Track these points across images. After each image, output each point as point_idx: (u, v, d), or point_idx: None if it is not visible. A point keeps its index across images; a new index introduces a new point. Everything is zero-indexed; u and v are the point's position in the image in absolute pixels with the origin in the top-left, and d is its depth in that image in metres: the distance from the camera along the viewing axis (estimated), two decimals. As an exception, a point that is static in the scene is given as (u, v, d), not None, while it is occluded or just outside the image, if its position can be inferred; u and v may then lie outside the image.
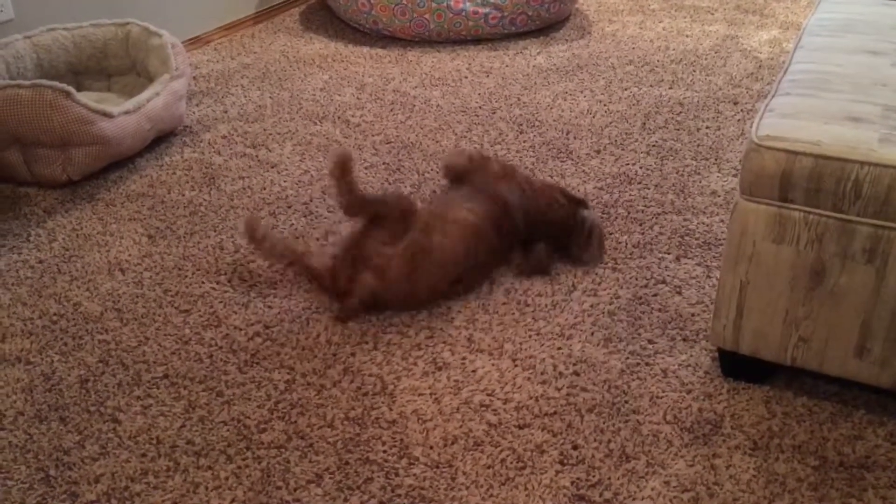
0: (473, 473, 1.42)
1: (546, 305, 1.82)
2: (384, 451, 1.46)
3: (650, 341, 1.71)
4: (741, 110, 2.73)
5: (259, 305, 1.83)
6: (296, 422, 1.52)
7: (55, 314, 1.81)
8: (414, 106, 2.79)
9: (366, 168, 2.40)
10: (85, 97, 2.27)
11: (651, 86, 2.92)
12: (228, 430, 1.51)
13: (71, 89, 2.18)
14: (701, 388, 1.59)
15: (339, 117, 2.71)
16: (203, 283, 1.91)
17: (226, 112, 2.75)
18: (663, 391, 1.58)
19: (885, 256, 1.34)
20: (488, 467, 1.43)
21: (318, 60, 3.18)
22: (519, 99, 2.83)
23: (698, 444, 1.47)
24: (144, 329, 1.76)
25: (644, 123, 2.65)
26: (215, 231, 2.10)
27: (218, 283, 1.91)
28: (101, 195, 2.27)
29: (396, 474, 1.41)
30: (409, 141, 2.55)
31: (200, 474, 1.42)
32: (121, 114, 2.28)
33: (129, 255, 2.01)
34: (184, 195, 2.27)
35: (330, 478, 1.41)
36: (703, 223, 2.11)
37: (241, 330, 1.76)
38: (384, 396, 1.58)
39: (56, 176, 2.26)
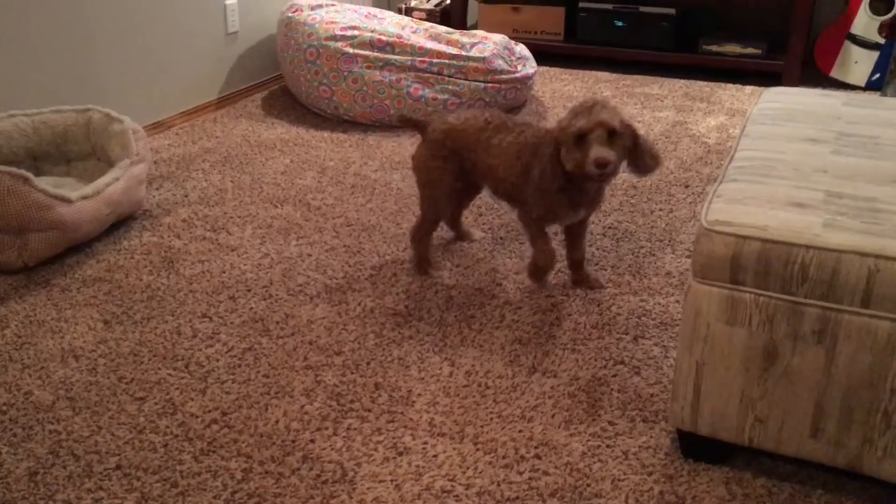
0: (435, 563, 1.39)
1: (507, 387, 1.82)
2: (344, 542, 1.42)
3: (610, 423, 1.72)
4: (692, 193, 2.81)
5: (217, 391, 1.80)
6: (253, 513, 1.49)
7: (4, 404, 1.76)
8: (374, 189, 2.82)
9: (326, 251, 2.41)
10: (43, 182, 2.26)
11: (605, 169, 3.00)
12: (183, 523, 1.46)
13: (29, 175, 2.18)
14: (662, 470, 1.59)
15: (300, 200, 2.73)
16: (159, 369, 1.88)
17: (186, 196, 2.76)
18: (625, 473, 1.58)
19: (833, 337, 1.38)
20: (450, 556, 1.40)
21: (280, 144, 3.22)
22: (478, 182, 2.88)
23: (661, 528, 1.46)
24: (97, 418, 1.72)
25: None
26: (173, 316, 2.08)
27: (175, 368, 1.88)
28: (57, 280, 2.24)
29: (356, 566, 1.38)
30: (370, 223, 2.58)
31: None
32: (79, 199, 2.28)
33: (84, 342, 1.97)
34: (141, 279, 2.25)
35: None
36: (660, 304, 2.15)
37: (197, 417, 1.72)
38: (344, 484, 1.55)
39: (11, 262, 2.23)
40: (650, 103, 3.75)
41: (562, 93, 3.91)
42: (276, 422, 1.71)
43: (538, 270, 2.17)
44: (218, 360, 1.91)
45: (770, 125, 1.86)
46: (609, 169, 1.88)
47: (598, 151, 1.86)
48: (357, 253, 2.40)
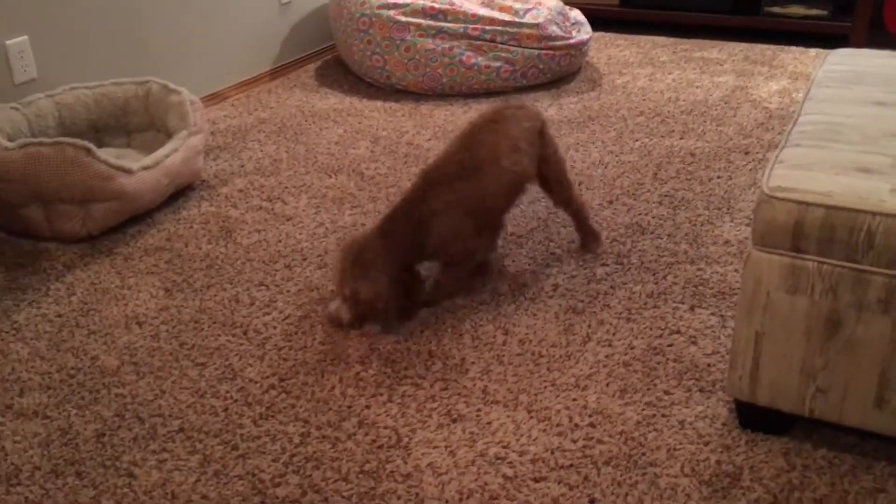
0: (490, 528, 1.40)
1: (561, 356, 1.82)
2: (399, 506, 1.45)
3: (666, 392, 1.70)
4: (752, 160, 2.74)
5: (274, 358, 1.84)
6: (310, 475, 1.52)
7: (73, 368, 1.82)
8: (427, 158, 2.82)
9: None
10: (105, 153, 2.31)
11: (662, 136, 2.95)
12: (243, 485, 1.50)
13: (91, 146, 2.23)
14: (719, 440, 1.57)
15: (353, 170, 2.75)
16: (219, 335, 1.92)
17: (242, 166, 2.80)
18: (680, 443, 1.57)
19: (900, 306, 1.34)
20: (505, 522, 1.41)
21: (333, 115, 3.24)
22: (531, 150, 2.86)
23: (717, 498, 1.45)
24: (160, 382, 1.77)
25: (656, 174, 2.67)
26: (231, 284, 2.12)
27: (233, 335, 1.92)
28: (120, 249, 2.30)
29: (412, 529, 1.40)
30: (423, 193, 2.58)
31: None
32: (140, 169, 2.33)
33: (147, 309, 2.03)
34: (200, 248, 2.30)
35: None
36: (717, 273, 2.11)
37: (256, 383, 1.76)
38: (399, 449, 1.57)
39: (76, 231, 2.30)
40: (709, 68, 3.66)
41: (617, 59, 3.83)
42: (332, 388, 1.74)
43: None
44: (275, 328, 1.94)
45: (836, 88, 1.80)
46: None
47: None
48: (410, 222, 2.41)
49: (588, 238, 2.23)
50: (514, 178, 2.00)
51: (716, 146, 2.85)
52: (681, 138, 2.93)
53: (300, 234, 2.36)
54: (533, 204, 2.49)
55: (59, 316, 2.00)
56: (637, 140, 2.92)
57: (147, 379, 1.78)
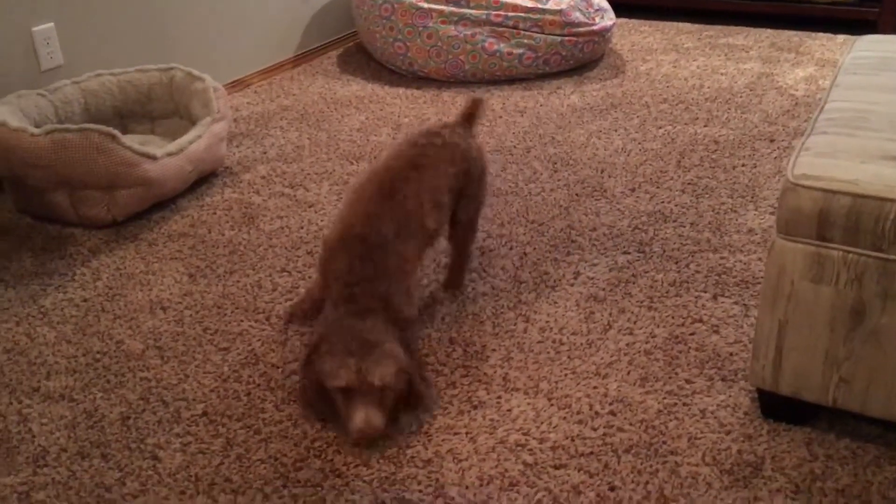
0: (509, 514, 1.41)
1: (581, 344, 1.82)
2: (420, 491, 1.46)
3: (688, 381, 1.70)
4: (777, 148, 2.71)
5: (296, 343, 1.85)
6: (332, 460, 1.53)
7: (98, 352, 1.84)
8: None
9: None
10: (130, 140, 2.33)
11: (686, 124, 2.92)
12: (265, 468, 1.52)
13: (116, 133, 2.25)
14: (740, 430, 1.56)
15: (375, 157, 2.75)
16: (242, 321, 1.94)
17: (265, 153, 2.81)
18: (702, 432, 1.56)
19: (927, 296, 1.32)
20: (524, 508, 1.42)
21: (355, 102, 3.24)
22: (553, 138, 2.85)
23: (738, 487, 1.44)
24: (185, 367, 1.79)
25: (679, 161, 2.64)
26: (254, 270, 2.14)
27: (256, 321, 1.94)
28: (144, 235, 2.32)
29: (432, 514, 1.41)
30: (445, 180, 2.58)
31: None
32: (164, 156, 2.35)
33: (171, 294, 2.05)
34: (223, 235, 2.31)
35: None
36: (741, 261, 2.09)
37: (278, 368, 1.78)
38: (420, 435, 1.58)
39: (101, 217, 2.32)
40: (734, 54, 3.62)
41: (641, 45, 3.80)
42: (354, 374, 1.75)
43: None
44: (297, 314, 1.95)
45: (864, 75, 1.77)
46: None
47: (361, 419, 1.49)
48: (432, 209, 2.41)
49: (453, 281, 2.01)
50: (433, 237, 1.80)
51: (740, 134, 2.82)
52: (705, 126, 2.90)
53: (322, 220, 2.37)
54: (554, 192, 2.48)
55: (85, 300, 2.03)
56: (660, 127, 2.90)
57: (171, 363, 1.80)
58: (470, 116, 2.01)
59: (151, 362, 1.81)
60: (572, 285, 2.03)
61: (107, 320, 1.95)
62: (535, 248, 2.19)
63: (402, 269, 1.64)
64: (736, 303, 1.93)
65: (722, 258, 2.11)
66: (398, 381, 1.51)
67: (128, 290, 2.07)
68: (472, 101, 2.01)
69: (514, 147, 2.79)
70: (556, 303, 1.96)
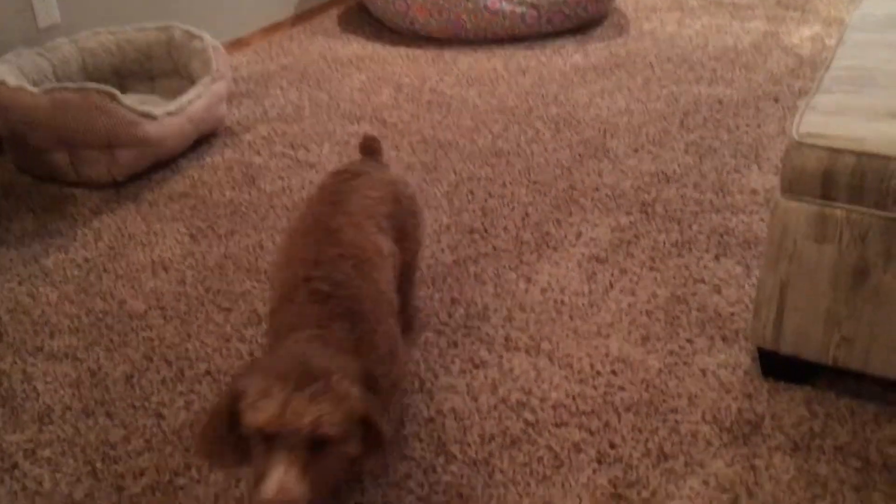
0: (510, 471, 1.42)
1: (583, 304, 1.82)
2: (422, 449, 1.47)
3: (689, 340, 1.70)
4: (782, 107, 2.69)
5: (298, 303, 1.85)
6: (335, 418, 1.54)
7: (101, 311, 1.85)
8: (450, 105, 2.80)
9: (403, 168, 2.41)
10: (129, 99, 2.31)
11: (690, 84, 2.90)
12: (269, 426, 1.53)
13: (116, 92, 2.23)
14: (740, 388, 1.57)
15: (376, 117, 2.73)
16: (244, 281, 1.94)
17: (265, 113, 2.79)
18: (702, 391, 1.57)
19: (930, 255, 1.32)
20: (525, 465, 1.43)
21: (356, 61, 3.21)
22: (556, 98, 2.82)
23: (738, 445, 1.45)
24: (187, 326, 1.80)
25: (682, 121, 2.62)
26: (255, 230, 2.14)
27: (258, 281, 1.94)
28: (145, 195, 2.31)
29: (434, 471, 1.43)
30: (446, 140, 2.57)
31: (242, 468, 1.44)
32: (164, 115, 2.33)
33: (172, 254, 2.05)
34: (224, 195, 2.31)
35: (368, 474, 1.43)
36: (743, 222, 2.09)
37: (280, 327, 1.78)
38: (422, 394, 1.59)
39: (101, 176, 2.32)
40: (739, 13, 3.57)
41: (645, 4, 3.75)
42: (356, 333, 1.75)
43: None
44: (299, 274, 1.96)
45: (871, 32, 1.75)
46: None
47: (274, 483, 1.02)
48: (433, 170, 2.40)
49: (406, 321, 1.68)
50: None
51: (744, 93, 2.80)
52: (709, 85, 2.87)
53: (323, 181, 2.36)
54: (557, 152, 2.46)
55: (87, 260, 2.03)
56: (664, 87, 2.87)
57: (174, 323, 1.81)
58: (370, 152, 1.68)
59: (154, 322, 1.81)
60: (574, 246, 2.02)
61: (109, 280, 1.96)
62: (537, 209, 2.18)
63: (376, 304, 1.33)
64: (738, 263, 1.93)
65: (724, 219, 2.11)
66: (341, 432, 1.05)
67: (129, 250, 2.07)
68: (363, 139, 1.70)
69: (517, 107, 2.76)
70: (557, 263, 1.96)
